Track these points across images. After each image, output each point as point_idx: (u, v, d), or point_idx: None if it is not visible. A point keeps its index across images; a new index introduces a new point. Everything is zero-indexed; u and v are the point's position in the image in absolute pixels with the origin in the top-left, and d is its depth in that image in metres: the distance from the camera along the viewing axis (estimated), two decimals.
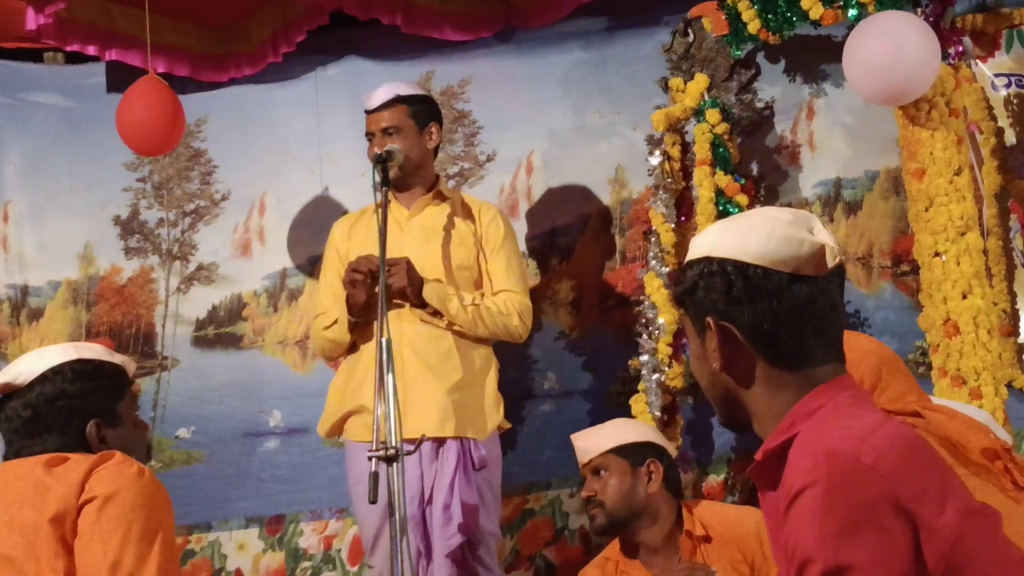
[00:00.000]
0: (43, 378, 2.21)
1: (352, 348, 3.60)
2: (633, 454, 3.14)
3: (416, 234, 3.62)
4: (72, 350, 2.27)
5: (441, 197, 3.71)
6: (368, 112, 3.64)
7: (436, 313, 3.49)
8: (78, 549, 2.02)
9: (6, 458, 2.22)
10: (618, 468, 3.12)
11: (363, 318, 3.52)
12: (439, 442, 3.46)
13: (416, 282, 3.46)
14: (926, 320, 3.65)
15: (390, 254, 3.27)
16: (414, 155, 3.61)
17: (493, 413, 3.57)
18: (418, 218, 3.65)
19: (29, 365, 2.24)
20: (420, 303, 3.48)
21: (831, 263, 1.61)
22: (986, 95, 3.90)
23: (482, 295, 3.62)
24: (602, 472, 3.13)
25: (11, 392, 2.23)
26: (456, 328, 3.52)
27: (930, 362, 3.65)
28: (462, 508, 3.41)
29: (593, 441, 3.20)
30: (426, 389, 3.45)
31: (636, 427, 3.34)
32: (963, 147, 3.69)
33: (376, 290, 3.33)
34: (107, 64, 4.41)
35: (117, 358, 2.31)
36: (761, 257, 1.59)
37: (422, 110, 3.66)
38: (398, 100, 3.62)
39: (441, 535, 3.41)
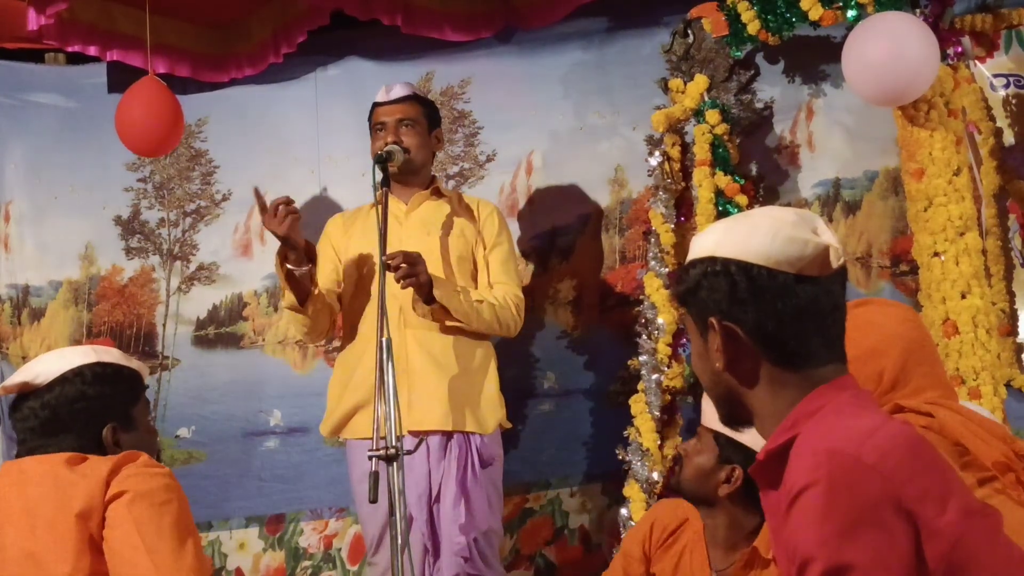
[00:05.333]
0: (63, 379, 2.21)
1: (352, 346, 3.60)
2: (727, 448, 2.81)
3: (415, 228, 3.63)
4: (92, 353, 2.27)
5: (438, 194, 3.73)
6: (382, 104, 3.66)
7: (441, 311, 3.48)
8: (110, 541, 2.02)
9: (19, 456, 2.22)
10: (709, 450, 2.83)
11: (308, 306, 3.48)
12: (447, 437, 3.46)
13: (429, 281, 3.42)
14: (925, 320, 3.65)
15: (389, 248, 3.27)
16: (420, 154, 3.65)
17: (497, 409, 3.57)
18: (416, 212, 3.66)
19: (49, 365, 2.23)
20: (428, 300, 3.45)
21: (835, 264, 1.61)
22: (985, 95, 3.90)
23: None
24: (697, 443, 2.86)
25: (29, 391, 2.23)
26: (454, 323, 3.51)
27: None
28: (471, 506, 3.42)
29: (710, 410, 2.83)
30: (431, 383, 3.46)
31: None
32: (962, 147, 3.69)
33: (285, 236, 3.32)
34: (108, 65, 4.40)
35: (134, 364, 2.31)
36: (766, 258, 1.59)
37: (433, 114, 3.74)
38: (415, 98, 3.70)
39: (449, 533, 3.41)
